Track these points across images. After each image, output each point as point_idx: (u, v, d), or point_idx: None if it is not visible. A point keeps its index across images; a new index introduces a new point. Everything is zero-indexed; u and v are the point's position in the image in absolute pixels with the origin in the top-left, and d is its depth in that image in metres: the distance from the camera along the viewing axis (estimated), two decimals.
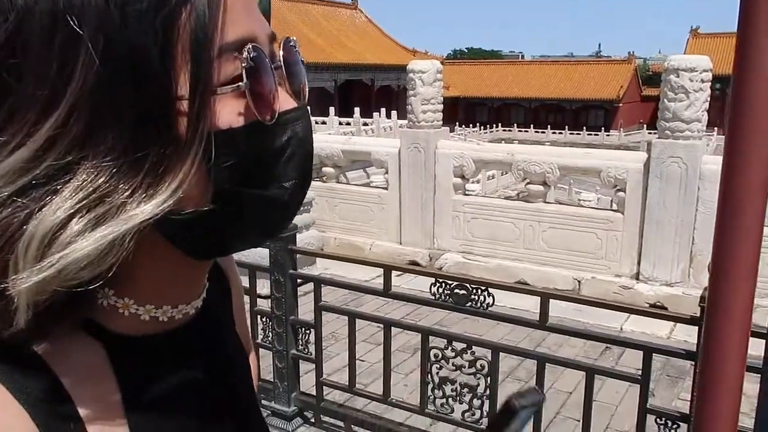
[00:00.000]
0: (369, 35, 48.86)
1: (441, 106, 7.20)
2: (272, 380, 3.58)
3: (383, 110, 29.94)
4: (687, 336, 4.82)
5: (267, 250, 3.50)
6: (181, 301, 0.56)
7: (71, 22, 0.41)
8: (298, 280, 3.54)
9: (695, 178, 5.66)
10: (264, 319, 3.61)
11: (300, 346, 3.50)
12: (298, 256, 3.53)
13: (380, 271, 3.21)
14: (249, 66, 0.47)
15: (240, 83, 0.46)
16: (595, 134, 44.31)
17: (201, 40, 0.44)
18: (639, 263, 5.95)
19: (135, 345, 0.52)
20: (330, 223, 7.53)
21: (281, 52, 0.52)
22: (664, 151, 5.76)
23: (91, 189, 0.43)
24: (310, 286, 3.55)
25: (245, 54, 0.47)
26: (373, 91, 43.16)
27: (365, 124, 26.24)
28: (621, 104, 49.34)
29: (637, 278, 5.95)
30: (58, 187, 0.42)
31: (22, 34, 0.41)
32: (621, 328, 5.03)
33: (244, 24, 0.47)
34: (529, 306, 3.67)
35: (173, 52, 0.43)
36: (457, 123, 41.82)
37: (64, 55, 0.41)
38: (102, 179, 0.43)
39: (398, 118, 27.47)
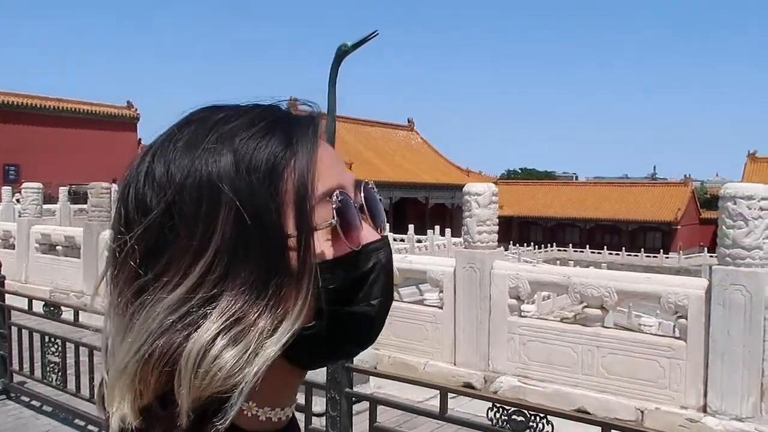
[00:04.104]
0: (424, 155, 50.47)
1: (496, 227, 7.31)
2: None
3: (437, 227, 30.31)
4: None
5: (323, 368, 3.55)
6: (285, 405, 0.67)
7: (213, 193, 0.57)
8: (353, 399, 3.55)
9: (760, 307, 5.47)
10: None
11: None
12: (353, 374, 3.56)
13: (434, 392, 3.20)
14: (338, 207, 0.61)
15: (332, 220, 0.60)
16: (654, 256, 43.35)
17: (302, 193, 0.59)
18: (705, 395, 5.65)
19: None
20: (384, 341, 7.50)
21: (362, 194, 0.67)
22: (725, 279, 5.64)
23: (230, 313, 0.55)
24: (363, 404, 3.54)
25: (335, 198, 0.61)
26: (427, 208, 43.96)
27: (419, 241, 26.53)
28: (679, 227, 48.52)
29: (705, 411, 5.64)
30: (207, 313, 0.55)
31: (177, 203, 0.57)
32: None
33: (334, 177, 0.63)
34: None
35: (283, 205, 0.58)
36: (511, 242, 41.80)
37: (209, 215, 0.57)
38: (238, 305, 0.56)
39: (452, 236, 27.75)
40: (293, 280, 0.58)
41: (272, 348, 0.57)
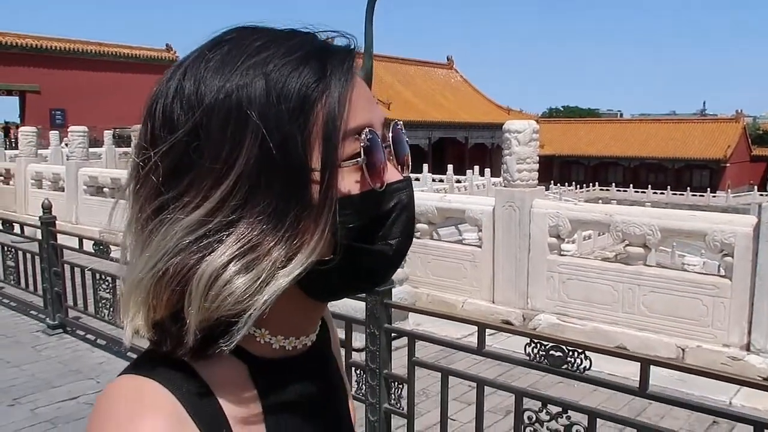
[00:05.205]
0: (463, 94, 49.55)
1: (536, 166, 7.19)
2: None
3: (476, 168, 30.02)
4: None
5: (362, 304, 3.60)
6: (302, 334, 0.69)
7: (240, 118, 0.56)
8: (392, 335, 3.61)
9: None
10: (358, 372, 3.69)
11: (392, 401, 3.54)
12: (391, 310, 3.61)
13: (472, 329, 3.22)
14: (366, 146, 0.60)
15: (359, 159, 0.60)
16: (700, 195, 42.22)
17: (331, 128, 0.58)
18: (750, 333, 5.58)
19: (269, 365, 0.65)
20: (423, 280, 7.58)
21: (390, 134, 0.66)
22: None
23: (245, 240, 0.56)
24: (403, 341, 3.60)
25: (363, 137, 0.60)
26: (466, 148, 43.46)
27: (458, 181, 26.38)
28: (728, 164, 46.95)
29: (748, 349, 5.57)
30: (223, 238, 0.56)
31: (204, 124, 0.57)
32: (730, 402, 4.72)
33: (364, 114, 0.62)
34: (629, 373, 3.54)
35: (311, 137, 0.58)
36: (552, 181, 41.22)
37: (235, 139, 0.56)
38: (254, 233, 0.56)
39: (491, 176, 27.49)
40: (312, 213, 0.58)
41: (284, 279, 0.57)
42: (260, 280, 0.56)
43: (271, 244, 0.57)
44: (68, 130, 13.97)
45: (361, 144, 0.60)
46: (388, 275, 0.67)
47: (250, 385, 0.63)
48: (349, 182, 0.60)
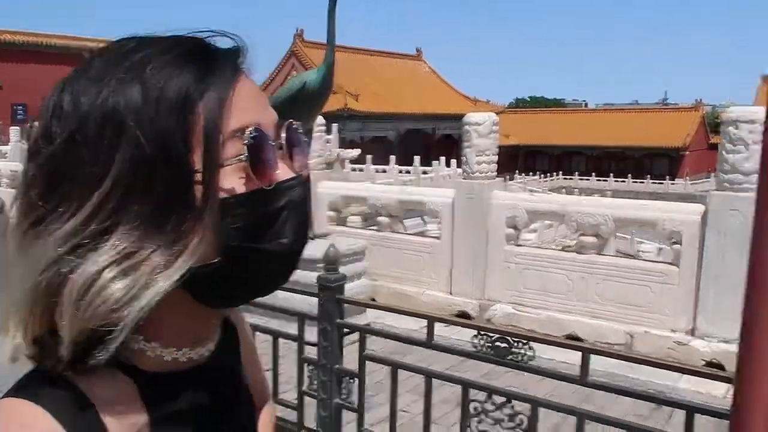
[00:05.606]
0: (431, 85, 49.61)
1: (496, 158, 7.26)
2: (315, 429, 3.66)
3: (443, 159, 30.17)
4: None
5: (317, 299, 3.62)
6: (197, 345, 0.67)
7: (116, 119, 0.55)
8: (345, 330, 3.64)
9: None
10: (311, 368, 3.71)
11: (343, 395, 3.58)
12: (349, 305, 3.64)
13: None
14: (250, 143, 0.60)
15: (241, 156, 0.59)
16: (660, 183, 43.14)
17: (211, 128, 0.58)
18: (695, 318, 5.76)
19: (159, 380, 0.64)
20: (382, 272, 7.61)
21: (284, 134, 0.65)
22: (722, 204, 5.64)
23: (122, 247, 0.55)
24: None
25: (246, 135, 0.60)
26: (434, 139, 43.62)
27: (425, 173, 26.49)
28: (687, 152, 48.04)
29: (693, 334, 5.76)
30: (99, 245, 0.55)
31: (80, 132, 0.56)
32: (675, 386, 4.88)
33: (250, 114, 0.61)
34: (578, 361, 3.63)
35: (190, 137, 0.57)
36: (517, 171, 41.64)
37: (110, 144, 0.55)
38: (131, 239, 0.55)
39: (458, 167, 27.65)
40: (195, 215, 0.57)
41: (163, 283, 0.55)
42: (137, 286, 0.54)
43: (151, 249, 0.55)
44: (29, 125, 13.63)
45: (244, 142, 0.59)
46: (283, 276, 0.65)
47: (137, 401, 0.62)
48: (234, 182, 0.59)
